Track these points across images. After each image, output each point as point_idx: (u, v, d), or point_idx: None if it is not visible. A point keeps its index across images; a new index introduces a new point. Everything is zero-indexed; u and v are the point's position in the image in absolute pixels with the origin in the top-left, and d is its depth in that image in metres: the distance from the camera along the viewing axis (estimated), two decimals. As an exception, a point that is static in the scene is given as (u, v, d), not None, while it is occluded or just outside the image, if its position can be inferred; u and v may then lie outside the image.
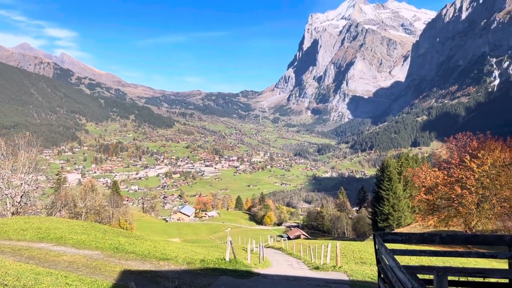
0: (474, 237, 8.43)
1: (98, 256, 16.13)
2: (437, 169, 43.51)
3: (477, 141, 39.56)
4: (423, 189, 41.96)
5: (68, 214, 65.88)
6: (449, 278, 8.39)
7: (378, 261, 8.61)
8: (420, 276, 8.21)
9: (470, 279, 8.89)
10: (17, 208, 47.72)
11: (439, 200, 41.12)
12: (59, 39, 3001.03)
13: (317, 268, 20.56)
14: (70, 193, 75.57)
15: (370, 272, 17.28)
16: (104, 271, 13.34)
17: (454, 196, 37.72)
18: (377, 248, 8.45)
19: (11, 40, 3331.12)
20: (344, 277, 16.10)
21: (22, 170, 48.17)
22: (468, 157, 37.90)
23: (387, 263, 7.46)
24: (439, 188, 39.10)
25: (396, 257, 6.92)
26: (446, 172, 40.08)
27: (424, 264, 22.14)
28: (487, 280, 8.47)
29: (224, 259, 17.71)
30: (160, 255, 17.72)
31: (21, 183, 47.77)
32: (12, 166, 48.07)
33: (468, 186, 36.99)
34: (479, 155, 37.32)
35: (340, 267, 19.06)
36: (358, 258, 29.90)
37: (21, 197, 48.04)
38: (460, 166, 38.46)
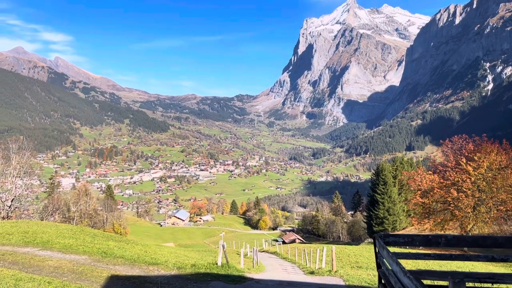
0: (482, 239, 7.89)
1: (85, 261, 15.55)
2: (431, 173, 43.25)
3: (473, 144, 39.30)
4: (419, 192, 41.61)
5: (61, 218, 65.02)
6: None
7: (379, 266, 8.01)
8: (427, 282, 7.66)
9: (477, 285, 8.37)
10: (7, 212, 46.86)
11: (435, 203, 40.77)
12: (54, 43, 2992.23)
13: (312, 272, 20.00)
14: (63, 197, 74.77)
15: (367, 277, 16.68)
16: (90, 277, 12.79)
17: (450, 199, 37.36)
18: (377, 251, 7.87)
19: (6, 44, 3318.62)
20: (340, 282, 15.53)
21: (13, 174, 47.41)
22: (464, 160, 37.63)
23: (390, 267, 6.92)
24: (435, 191, 38.75)
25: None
26: (442, 175, 39.77)
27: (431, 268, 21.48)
28: (496, 286, 7.99)
29: (216, 264, 17.12)
30: (149, 259, 17.12)
31: (12, 187, 46.97)
32: (3, 170, 47.30)
33: (464, 189, 36.68)
34: (475, 158, 37.04)
35: (336, 271, 18.49)
36: (354, 262, 29.41)
37: (11, 201, 47.22)
38: (456, 169, 38.15)
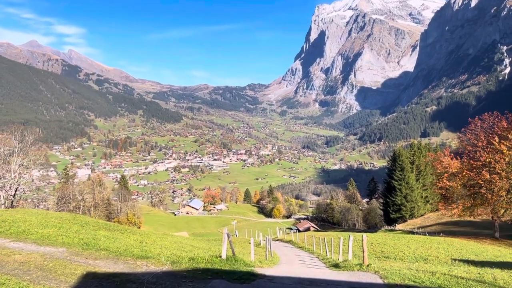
0: None
1: (61, 254, 13.02)
2: (452, 156, 40.16)
3: (506, 121, 35.60)
4: (446, 175, 38.33)
5: (73, 208, 63.58)
6: None
7: None
8: None
9: None
10: (11, 202, 45.22)
11: (463, 187, 37.50)
12: (68, 36, 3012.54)
13: (336, 265, 17.05)
14: (74, 188, 73.44)
15: (408, 272, 13.51)
16: (60, 275, 10.24)
17: (481, 182, 34.12)
18: None
19: (20, 38, 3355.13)
20: (376, 279, 12.55)
21: (17, 162, 45.71)
22: (496, 139, 34.16)
23: None
24: (464, 173, 35.46)
25: None
26: (472, 156, 36.41)
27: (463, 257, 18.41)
28: None
29: (220, 257, 14.33)
30: (139, 252, 14.43)
31: (16, 176, 45.29)
32: (6, 159, 45.66)
33: (498, 171, 33.36)
34: (509, 136, 33.61)
35: (368, 265, 15.35)
36: (379, 251, 26.47)
37: (15, 190, 45.57)
38: (488, 149, 34.73)
